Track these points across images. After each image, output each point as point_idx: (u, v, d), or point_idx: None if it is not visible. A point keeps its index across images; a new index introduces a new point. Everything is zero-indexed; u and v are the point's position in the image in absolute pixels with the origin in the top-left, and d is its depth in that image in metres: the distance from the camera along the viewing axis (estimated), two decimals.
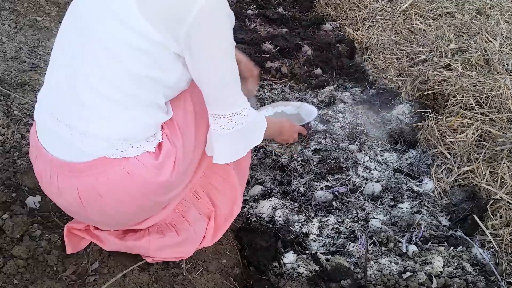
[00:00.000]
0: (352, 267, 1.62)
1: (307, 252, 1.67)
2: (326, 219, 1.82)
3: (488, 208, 1.81)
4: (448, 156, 2.13)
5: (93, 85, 1.13)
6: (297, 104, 2.02)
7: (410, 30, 3.17)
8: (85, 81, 1.13)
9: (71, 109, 1.17)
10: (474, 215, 1.80)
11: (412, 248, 1.69)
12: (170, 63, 1.16)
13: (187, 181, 1.41)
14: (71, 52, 1.15)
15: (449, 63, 2.62)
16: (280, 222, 1.76)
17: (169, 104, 1.27)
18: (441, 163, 2.13)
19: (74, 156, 1.19)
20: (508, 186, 1.85)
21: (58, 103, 1.20)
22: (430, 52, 2.84)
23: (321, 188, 1.98)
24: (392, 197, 1.99)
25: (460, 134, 2.17)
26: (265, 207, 1.82)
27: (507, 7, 3.35)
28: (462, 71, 2.54)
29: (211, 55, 1.15)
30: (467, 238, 1.77)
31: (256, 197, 1.90)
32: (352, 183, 2.03)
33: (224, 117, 1.25)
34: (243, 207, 1.85)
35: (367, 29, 3.28)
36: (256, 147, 2.18)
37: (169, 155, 1.25)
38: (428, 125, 2.33)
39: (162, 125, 1.26)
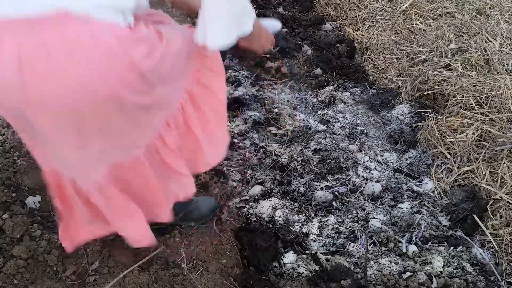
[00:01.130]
0: (352, 267, 1.62)
1: (307, 252, 1.67)
2: (326, 219, 1.82)
3: (488, 208, 1.81)
4: (448, 156, 2.13)
5: None
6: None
7: (410, 30, 3.16)
8: None
9: None
10: (474, 215, 1.80)
11: (412, 248, 1.69)
12: None
13: (168, 95, 1.19)
14: None
15: (449, 63, 2.62)
16: (280, 222, 1.76)
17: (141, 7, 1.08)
18: (441, 163, 2.13)
19: (26, 7, 0.91)
20: (508, 186, 1.85)
21: None
22: (430, 52, 2.84)
23: (321, 188, 1.98)
24: (392, 197, 1.99)
25: (460, 134, 2.17)
26: (265, 207, 1.82)
27: (507, 7, 3.35)
28: (462, 71, 2.54)
29: None
30: (467, 238, 1.77)
31: (256, 197, 1.90)
32: (352, 183, 2.03)
33: None
34: (243, 207, 1.86)
35: (367, 29, 3.28)
36: (256, 147, 2.18)
37: (145, 38, 1.04)
38: (428, 125, 2.33)
39: (148, 20, 1.09)
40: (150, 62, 1.04)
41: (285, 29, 3.41)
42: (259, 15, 3.90)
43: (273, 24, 2.08)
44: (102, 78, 0.97)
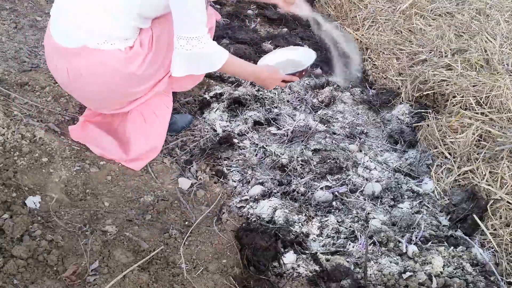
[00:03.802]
0: (352, 267, 1.62)
1: (307, 252, 1.67)
2: (326, 219, 1.82)
3: (488, 208, 1.81)
4: (448, 156, 2.13)
5: None
6: (296, 50, 2.32)
7: (410, 30, 3.16)
8: None
9: (71, 6, 1.62)
10: (474, 215, 1.80)
11: (412, 248, 1.69)
12: None
13: (152, 83, 1.80)
14: None
15: (449, 63, 2.62)
16: (280, 222, 1.76)
17: (148, 20, 1.69)
18: (441, 163, 2.13)
19: (68, 42, 1.63)
20: (508, 186, 1.85)
21: (65, 3, 1.64)
22: (430, 52, 2.84)
23: (321, 188, 1.98)
24: (392, 197, 1.99)
25: (460, 134, 2.17)
26: (265, 207, 1.82)
27: (507, 7, 3.35)
28: (462, 71, 2.54)
29: None
30: (467, 238, 1.77)
31: (256, 197, 1.90)
32: (352, 183, 2.03)
33: (183, 39, 1.60)
34: (243, 207, 1.86)
35: (367, 29, 3.28)
36: (256, 146, 2.18)
37: (138, 54, 1.67)
38: (428, 125, 2.33)
39: (140, 34, 1.69)
40: (143, 67, 1.72)
41: (285, 29, 3.41)
42: (259, 15, 3.83)
43: (303, 56, 2.20)
44: (111, 85, 1.72)
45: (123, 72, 1.67)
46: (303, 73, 2.06)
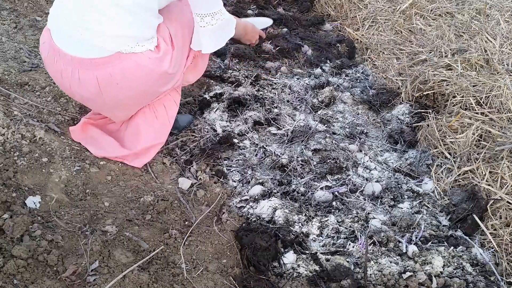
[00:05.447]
0: (352, 267, 1.62)
1: (307, 252, 1.67)
2: (326, 219, 1.82)
3: (488, 208, 1.81)
4: (448, 156, 2.13)
5: None
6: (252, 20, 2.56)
7: (410, 30, 3.16)
8: None
9: (85, 14, 1.54)
10: (474, 215, 1.80)
11: (412, 248, 1.69)
12: None
13: (175, 81, 1.84)
14: None
15: (449, 63, 2.62)
16: (280, 222, 1.76)
17: (160, 14, 1.70)
18: (441, 163, 2.13)
19: (94, 54, 1.58)
20: (508, 186, 1.85)
21: (72, 10, 1.56)
22: (430, 52, 2.84)
23: (321, 188, 1.98)
24: (392, 197, 1.99)
25: (460, 134, 2.17)
26: (265, 207, 1.82)
27: (507, 7, 3.35)
28: (462, 71, 2.54)
29: None
30: (467, 238, 1.77)
31: (256, 197, 1.90)
32: (352, 183, 2.03)
33: (208, 16, 1.70)
34: (243, 207, 1.86)
35: (367, 29, 3.28)
36: (256, 147, 2.18)
37: (166, 53, 1.70)
38: (428, 125, 2.33)
39: (158, 32, 1.68)
40: (172, 65, 1.73)
41: (285, 29, 3.41)
42: (258, 14, 3.88)
43: (263, 22, 2.57)
44: (145, 87, 1.72)
45: (156, 72, 1.68)
46: (265, 31, 2.40)
